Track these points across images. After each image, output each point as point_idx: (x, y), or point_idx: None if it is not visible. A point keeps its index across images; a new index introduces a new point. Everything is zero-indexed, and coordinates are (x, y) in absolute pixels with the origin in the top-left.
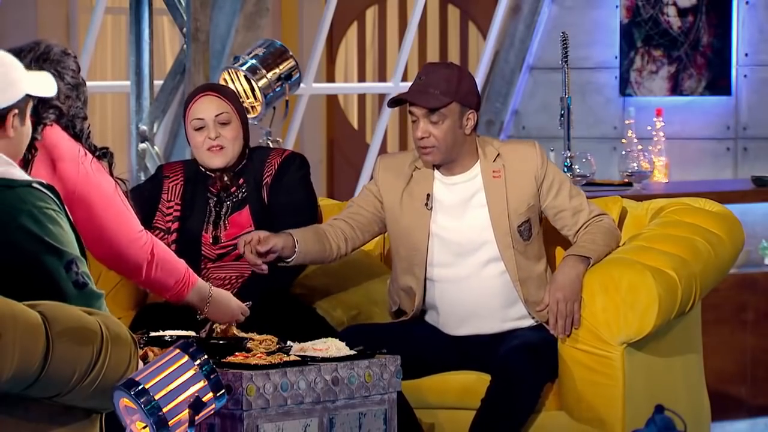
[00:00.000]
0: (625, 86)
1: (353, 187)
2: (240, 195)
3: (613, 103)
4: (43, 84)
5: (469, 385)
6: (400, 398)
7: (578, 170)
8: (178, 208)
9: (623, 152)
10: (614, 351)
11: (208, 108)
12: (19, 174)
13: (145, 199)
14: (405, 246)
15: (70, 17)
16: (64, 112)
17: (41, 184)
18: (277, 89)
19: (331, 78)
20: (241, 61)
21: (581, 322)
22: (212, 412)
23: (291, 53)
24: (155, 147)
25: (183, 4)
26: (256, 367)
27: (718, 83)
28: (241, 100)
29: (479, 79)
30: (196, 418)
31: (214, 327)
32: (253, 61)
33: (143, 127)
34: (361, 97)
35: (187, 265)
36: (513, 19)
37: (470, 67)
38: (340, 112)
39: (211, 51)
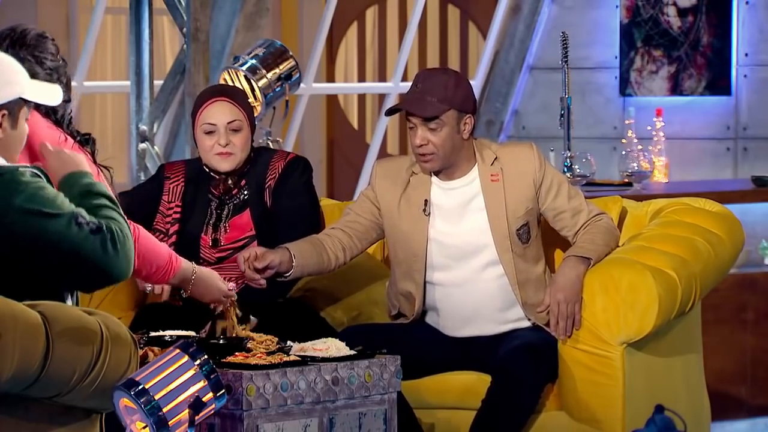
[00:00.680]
0: (625, 86)
1: (353, 187)
2: (241, 197)
3: (613, 103)
4: (46, 93)
5: (470, 385)
6: (399, 398)
7: (578, 170)
8: (179, 209)
9: (623, 152)
10: (614, 351)
11: (220, 114)
12: (3, 162)
13: (145, 199)
14: (404, 251)
15: (70, 17)
16: None
17: (26, 166)
18: (277, 89)
19: (331, 78)
20: (241, 61)
21: (581, 323)
22: (212, 412)
23: (291, 53)
24: (155, 147)
25: (183, 4)
26: (256, 367)
27: (718, 83)
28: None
29: (479, 79)
30: (196, 418)
31: (216, 321)
32: (253, 61)
33: (143, 127)
34: (361, 97)
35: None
36: (513, 19)
37: (470, 67)
38: (340, 112)
39: (211, 51)
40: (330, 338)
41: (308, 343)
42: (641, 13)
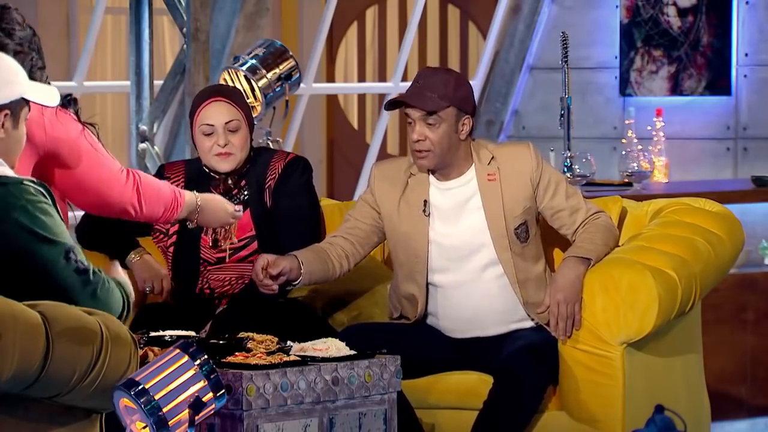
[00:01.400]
0: (625, 86)
1: (353, 187)
2: (242, 197)
3: (613, 103)
4: (45, 94)
5: (471, 385)
6: (400, 398)
7: (578, 170)
8: None
9: (623, 152)
10: (614, 351)
11: (218, 114)
12: (10, 173)
13: None
14: (405, 253)
15: (70, 17)
16: (25, 69)
17: (32, 180)
18: (277, 89)
19: (331, 78)
20: (241, 61)
21: (581, 323)
22: (212, 412)
23: (291, 53)
24: (155, 147)
25: (183, 4)
26: (256, 367)
27: (718, 83)
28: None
29: (479, 79)
30: (196, 418)
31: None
32: (253, 61)
33: (143, 127)
34: (361, 97)
35: (187, 266)
36: (513, 19)
37: (470, 67)
38: (340, 112)
39: (211, 51)
40: (330, 338)
41: (308, 343)
42: (641, 13)
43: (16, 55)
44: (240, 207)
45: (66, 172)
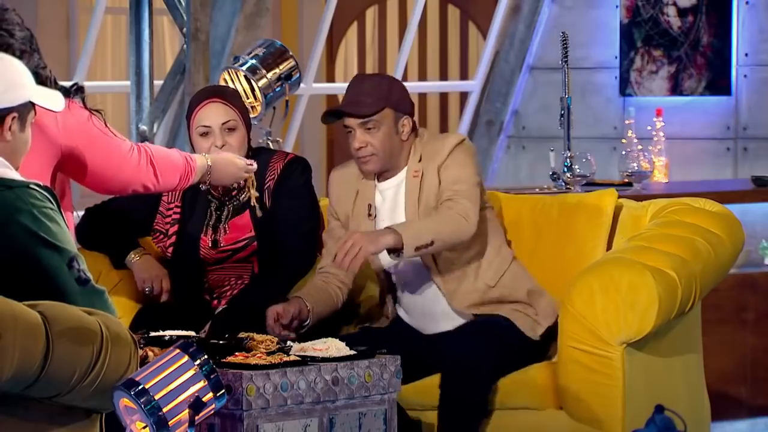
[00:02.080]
0: (625, 86)
1: None
2: (241, 199)
3: (613, 103)
4: (51, 98)
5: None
6: None
7: (578, 170)
8: (178, 210)
9: (623, 152)
10: (614, 351)
11: (214, 115)
12: (16, 176)
13: (145, 200)
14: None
15: (70, 17)
16: (30, 69)
17: (38, 185)
18: (277, 89)
19: (331, 78)
20: (241, 61)
21: (581, 322)
22: (212, 412)
23: (291, 53)
24: None
25: (183, 4)
26: (256, 367)
27: (718, 83)
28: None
29: (479, 80)
30: (196, 418)
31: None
32: (253, 61)
33: (143, 127)
34: None
35: (186, 267)
36: (513, 19)
37: (470, 67)
38: None
39: (211, 51)
40: (330, 338)
41: (308, 343)
42: (641, 13)
43: (21, 54)
44: (253, 161)
45: (83, 161)
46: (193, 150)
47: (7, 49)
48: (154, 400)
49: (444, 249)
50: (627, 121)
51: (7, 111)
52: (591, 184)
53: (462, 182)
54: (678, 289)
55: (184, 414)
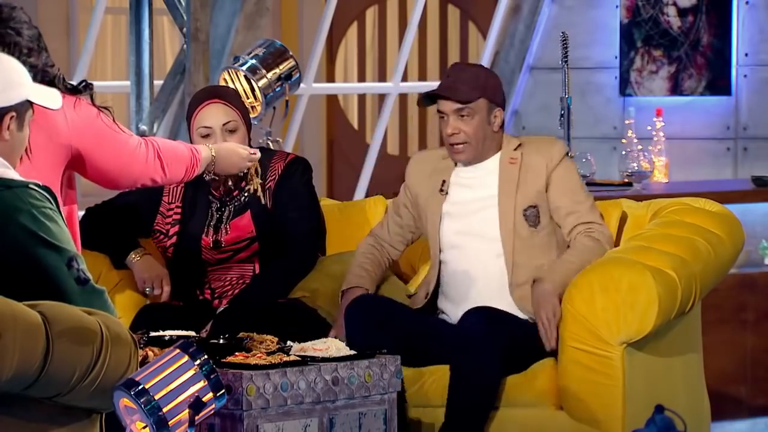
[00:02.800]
0: (625, 86)
1: (353, 187)
2: (242, 199)
3: (613, 103)
4: (48, 96)
5: None
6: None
7: (578, 170)
8: (179, 210)
9: (623, 152)
10: (614, 351)
11: (215, 116)
12: (15, 176)
13: (145, 200)
14: (426, 234)
15: (70, 17)
16: (38, 67)
17: (37, 185)
18: (277, 89)
19: (331, 78)
20: (241, 61)
21: (581, 322)
22: (212, 412)
23: (291, 53)
24: None
25: (183, 4)
26: (256, 367)
27: (718, 83)
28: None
29: None
30: (196, 418)
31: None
32: (253, 61)
33: (143, 127)
34: (361, 97)
35: (187, 267)
36: (513, 19)
37: None
38: (340, 112)
39: (211, 51)
40: (330, 338)
41: (308, 343)
42: (641, 13)
43: (29, 52)
44: (256, 150)
45: (93, 159)
46: None
47: (15, 47)
48: (154, 400)
49: None
50: (627, 121)
51: (6, 110)
52: (591, 184)
53: (583, 199)
54: (678, 289)
55: (184, 414)
